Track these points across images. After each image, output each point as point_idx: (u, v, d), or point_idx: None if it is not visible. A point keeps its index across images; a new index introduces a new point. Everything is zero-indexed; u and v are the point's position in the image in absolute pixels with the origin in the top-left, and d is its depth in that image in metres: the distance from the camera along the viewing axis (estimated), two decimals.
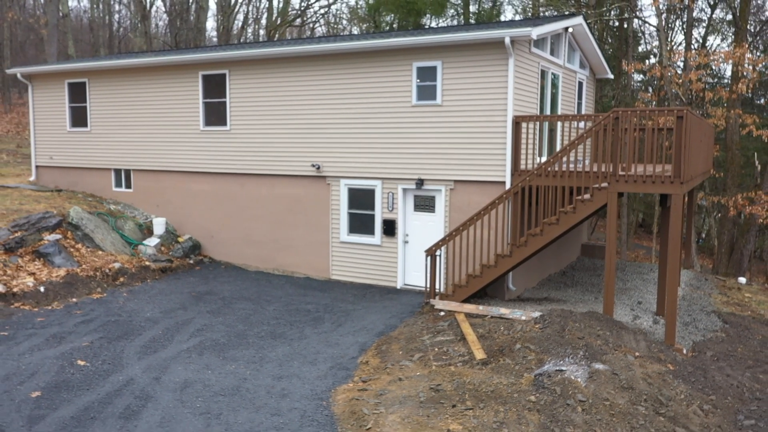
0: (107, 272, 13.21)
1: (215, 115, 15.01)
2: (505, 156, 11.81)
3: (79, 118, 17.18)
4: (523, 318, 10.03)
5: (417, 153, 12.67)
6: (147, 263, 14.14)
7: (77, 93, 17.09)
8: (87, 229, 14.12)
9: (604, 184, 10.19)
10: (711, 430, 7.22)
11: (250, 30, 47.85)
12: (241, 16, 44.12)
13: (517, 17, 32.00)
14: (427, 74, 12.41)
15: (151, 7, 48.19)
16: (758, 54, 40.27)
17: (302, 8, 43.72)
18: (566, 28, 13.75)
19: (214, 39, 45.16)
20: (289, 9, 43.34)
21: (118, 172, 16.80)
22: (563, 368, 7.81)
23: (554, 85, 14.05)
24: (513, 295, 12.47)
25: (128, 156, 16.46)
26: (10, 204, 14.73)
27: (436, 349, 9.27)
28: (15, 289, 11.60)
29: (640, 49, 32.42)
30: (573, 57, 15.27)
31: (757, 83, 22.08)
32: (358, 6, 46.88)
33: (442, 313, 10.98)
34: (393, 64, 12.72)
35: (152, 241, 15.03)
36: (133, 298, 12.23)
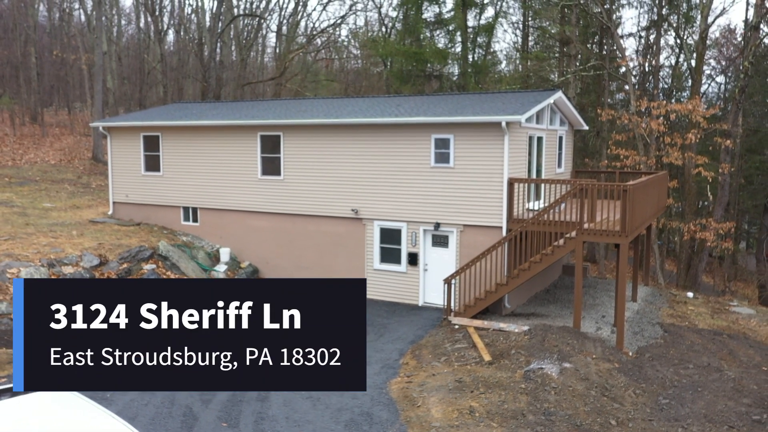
0: None
1: (271, 166, 18.87)
2: (502, 207, 15.75)
3: (152, 163, 20.99)
4: (516, 331, 13.97)
5: (435, 203, 16.59)
6: None
7: (151, 143, 20.91)
8: (173, 259, 17.96)
9: (573, 233, 14.14)
10: (638, 406, 11.19)
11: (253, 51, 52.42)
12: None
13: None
14: (442, 144, 16.33)
15: (166, 30, 51.91)
16: (729, 76, 44.47)
17: (310, 34, 47.78)
18: (549, 103, 17.72)
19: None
20: (296, 34, 47.44)
21: (186, 209, 20.63)
22: (543, 366, 11.75)
23: (539, 145, 18.00)
24: (508, 311, 16.43)
25: (196, 196, 20.30)
26: (109, 239, 18.53)
27: (456, 354, 13.20)
28: None
29: (621, 71, 36.57)
30: (554, 119, 19.23)
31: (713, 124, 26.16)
32: (360, 31, 51.01)
33: (457, 327, 14.92)
34: (416, 135, 16.64)
35: (221, 267, 18.89)
36: None
